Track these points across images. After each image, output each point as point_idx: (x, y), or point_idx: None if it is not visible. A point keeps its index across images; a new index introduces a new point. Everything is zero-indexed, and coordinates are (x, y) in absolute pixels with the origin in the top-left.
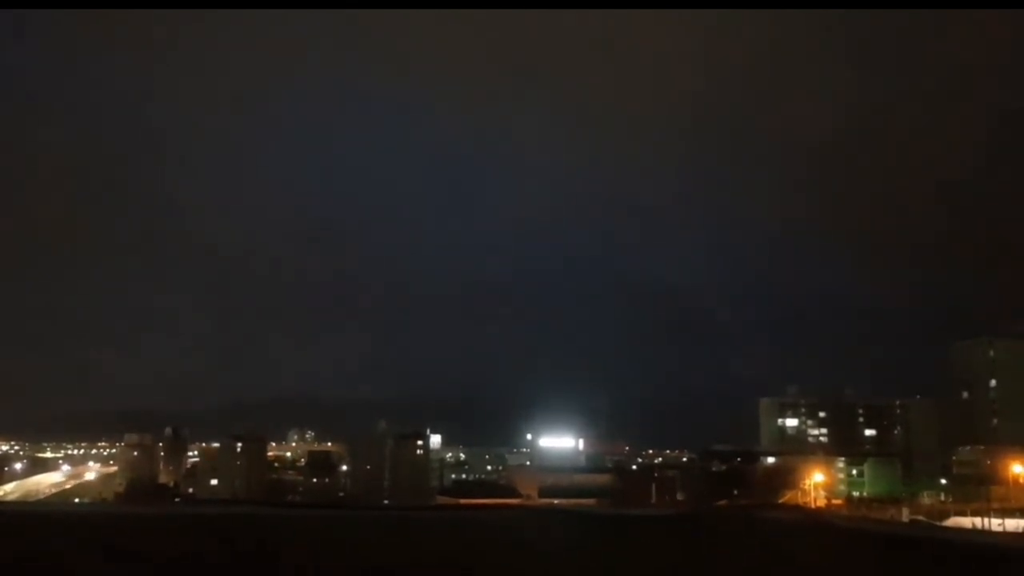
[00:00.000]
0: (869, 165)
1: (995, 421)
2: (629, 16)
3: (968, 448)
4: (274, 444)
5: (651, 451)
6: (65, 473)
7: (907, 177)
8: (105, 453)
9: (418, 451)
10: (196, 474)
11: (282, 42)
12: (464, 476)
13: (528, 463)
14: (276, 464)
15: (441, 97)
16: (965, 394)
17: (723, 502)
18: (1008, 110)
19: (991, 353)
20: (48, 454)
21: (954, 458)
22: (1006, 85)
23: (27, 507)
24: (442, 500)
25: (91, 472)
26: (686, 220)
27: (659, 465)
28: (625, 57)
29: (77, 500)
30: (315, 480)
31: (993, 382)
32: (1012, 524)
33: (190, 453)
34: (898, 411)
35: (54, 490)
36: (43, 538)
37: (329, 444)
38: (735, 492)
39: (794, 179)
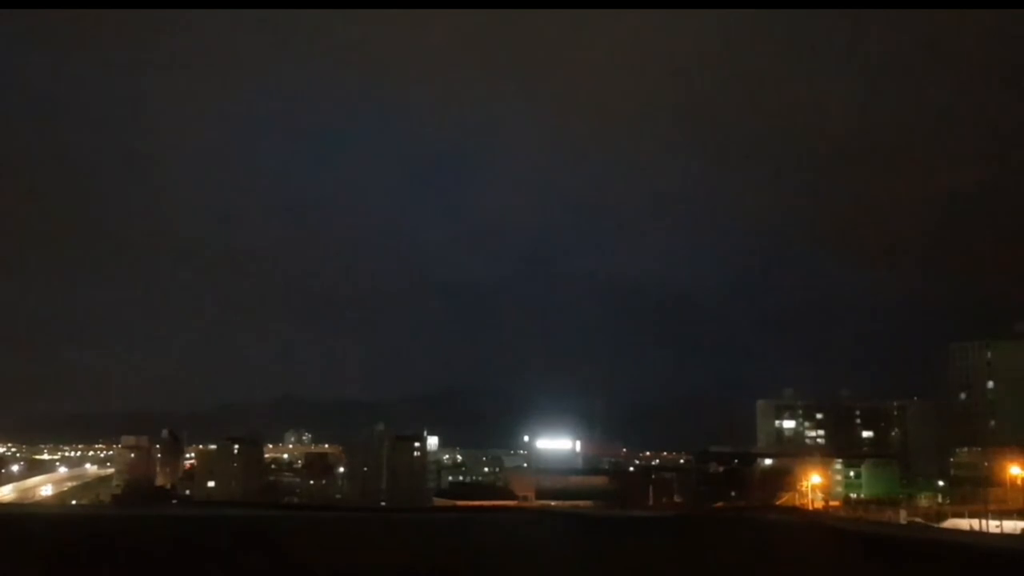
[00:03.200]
0: (866, 168)
1: (992, 423)
2: (615, 16)
3: (965, 450)
4: (271, 446)
5: (648, 453)
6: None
7: (905, 179)
8: (102, 455)
9: (415, 453)
10: (193, 476)
11: (266, 44)
12: (461, 478)
13: (525, 465)
14: (273, 466)
15: (427, 98)
16: (962, 396)
17: (720, 504)
18: (1010, 115)
19: (988, 355)
20: (45, 456)
21: (952, 460)
22: (1010, 89)
23: (24, 509)
24: (439, 502)
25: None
26: (683, 222)
27: (656, 467)
28: (613, 58)
29: (74, 502)
30: (312, 482)
31: (990, 383)
32: (1010, 526)
33: (187, 455)
34: (895, 413)
35: (51, 492)
36: (39, 540)
37: (326, 446)
38: (732, 494)
39: (790, 181)
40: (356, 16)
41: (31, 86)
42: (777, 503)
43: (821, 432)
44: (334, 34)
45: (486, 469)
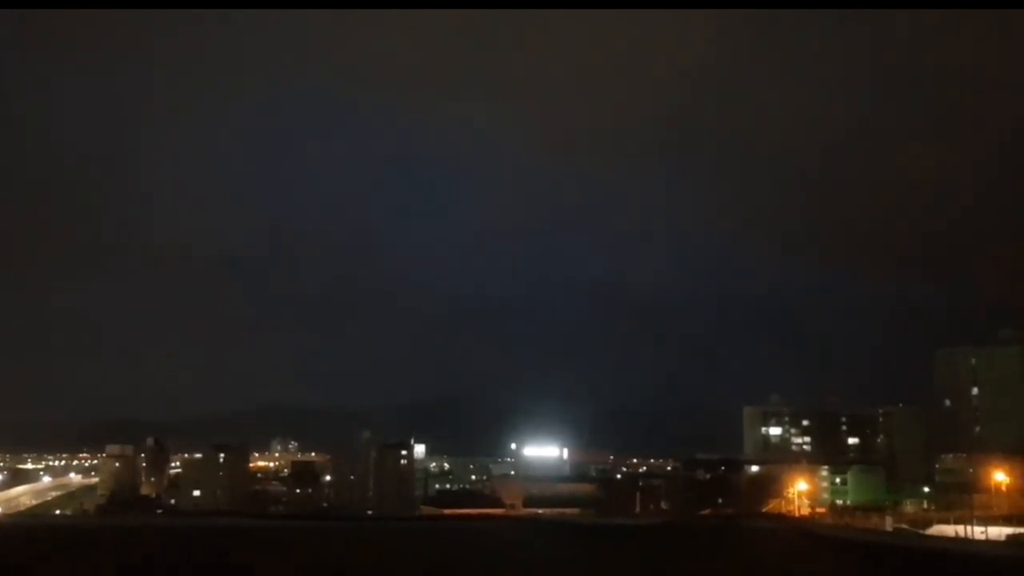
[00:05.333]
0: (855, 178)
1: (977, 429)
2: (603, 19)
3: (951, 456)
4: (257, 454)
5: (635, 460)
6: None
7: (892, 190)
8: (87, 464)
9: (402, 461)
10: (178, 485)
11: (250, 52)
12: (448, 486)
13: (513, 473)
14: (259, 475)
15: (417, 105)
16: (947, 402)
17: (708, 511)
18: (1004, 124)
19: (973, 361)
20: (29, 465)
21: (937, 466)
22: (1007, 97)
23: (7, 519)
24: (426, 510)
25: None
26: (670, 230)
27: (644, 474)
28: (603, 63)
29: (59, 512)
30: (298, 491)
31: (975, 390)
32: (994, 532)
33: (172, 464)
34: (881, 419)
35: (35, 501)
36: (24, 549)
37: (312, 454)
38: (720, 501)
39: (779, 190)
40: (343, 19)
41: (14, 87)
42: (764, 510)
43: (807, 439)
44: (322, 40)
45: (473, 477)
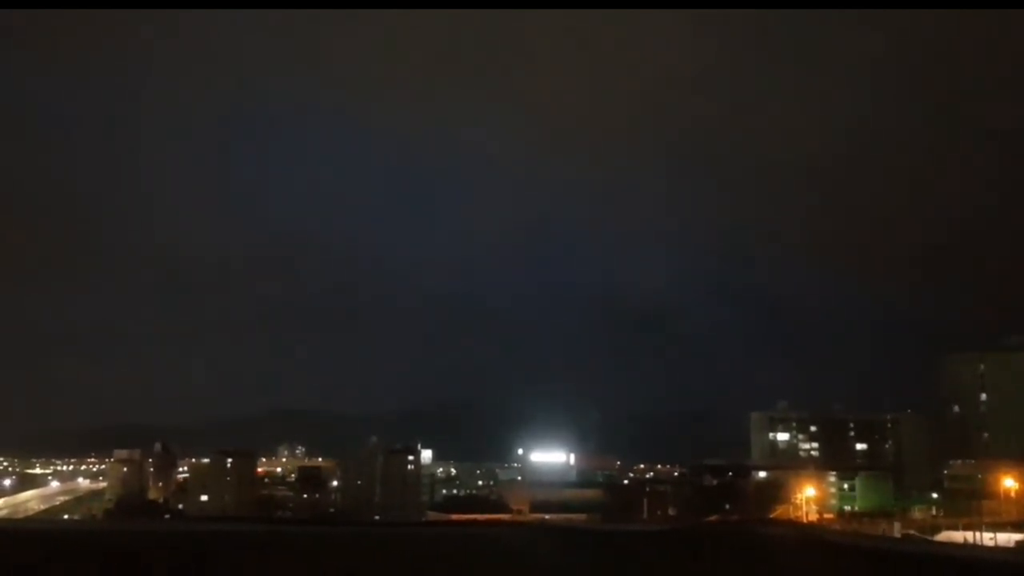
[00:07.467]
0: (861, 182)
1: (986, 435)
2: (603, 20)
3: (959, 462)
4: (264, 459)
5: (642, 466)
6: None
7: (898, 194)
8: (95, 469)
9: (409, 466)
10: (186, 490)
11: (250, 52)
12: (455, 491)
13: (519, 478)
14: (266, 480)
15: (410, 106)
16: (956, 408)
17: (715, 517)
18: (1004, 130)
19: (981, 367)
20: (37, 470)
21: (945, 472)
22: (1011, 99)
23: (15, 524)
24: (433, 515)
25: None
26: (674, 233)
27: (650, 480)
28: (604, 69)
29: (66, 516)
30: (305, 496)
31: (984, 396)
32: (1003, 538)
33: (180, 469)
34: (889, 425)
35: (43, 506)
36: (31, 555)
37: (320, 459)
38: (727, 507)
39: (784, 195)
40: (343, 19)
41: (13, 87)
42: (772, 516)
43: (815, 444)
44: (322, 40)
45: (480, 482)
